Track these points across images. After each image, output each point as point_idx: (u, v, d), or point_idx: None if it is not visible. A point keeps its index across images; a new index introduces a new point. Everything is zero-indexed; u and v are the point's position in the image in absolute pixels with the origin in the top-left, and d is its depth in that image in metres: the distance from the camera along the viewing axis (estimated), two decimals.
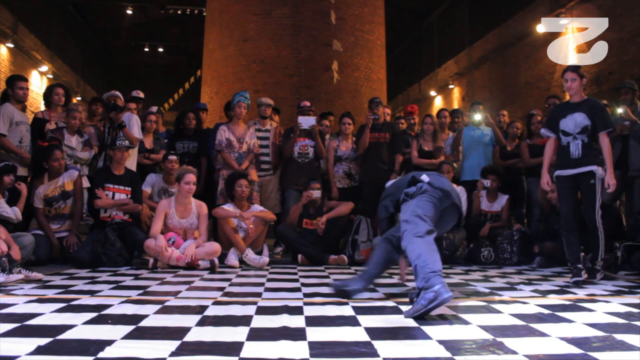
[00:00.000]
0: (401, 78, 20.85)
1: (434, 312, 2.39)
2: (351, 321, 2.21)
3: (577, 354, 1.75)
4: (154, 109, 6.12)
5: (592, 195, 3.69)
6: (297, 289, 3.16)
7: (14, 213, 4.16)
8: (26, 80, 5.07)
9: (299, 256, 4.77)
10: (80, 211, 4.76)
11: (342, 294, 2.80)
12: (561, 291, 3.19)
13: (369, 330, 2.04)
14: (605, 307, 2.61)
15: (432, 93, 18.50)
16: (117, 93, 5.77)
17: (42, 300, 2.64)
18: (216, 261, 4.20)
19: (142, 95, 6.23)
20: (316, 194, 4.93)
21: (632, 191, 4.92)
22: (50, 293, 2.88)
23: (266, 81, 10.05)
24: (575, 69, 3.81)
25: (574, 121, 3.75)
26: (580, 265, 3.70)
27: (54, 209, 4.61)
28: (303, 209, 5.01)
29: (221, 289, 3.17)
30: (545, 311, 2.48)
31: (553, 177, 3.93)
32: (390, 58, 13.19)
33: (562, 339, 1.94)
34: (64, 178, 4.67)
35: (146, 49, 21.68)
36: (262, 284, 3.37)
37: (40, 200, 4.55)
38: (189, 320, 2.19)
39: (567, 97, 3.99)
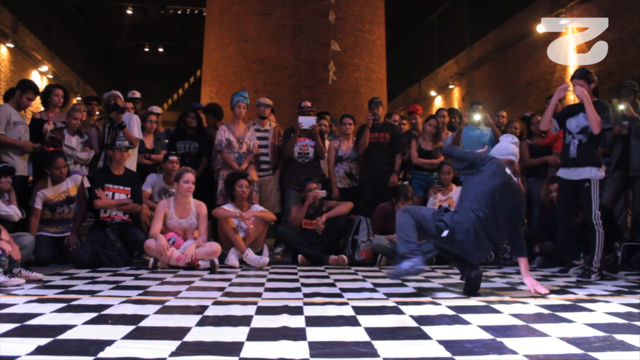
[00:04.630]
0: (401, 78, 20.84)
1: (434, 312, 2.42)
2: (351, 321, 2.21)
3: (577, 354, 1.76)
4: (155, 109, 6.08)
5: (588, 198, 3.82)
6: (297, 289, 3.16)
7: (14, 211, 4.16)
8: (38, 94, 5.03)
9: (299, 256, 4.76)
10: (84, 213, 4.76)
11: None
12: (561, 291, 3.19)
13: (369, 330, 2.04)
14: (605, 307, 2.61)
15: (432, 93, 18.49)
16: (117, 93, 5.74)
17: (42, 300, 2.64)
18: (216, 261, 4.20)
19: (138, 94, 6.21)
20: (322, 193, 4.94)
21: (633, 191, 4.91)
22: (50, 293, 2.88)
23: (266, 81, 10.04)
24: (582, 75, 3.88)
25: (577, 121, 3.90)
26: (587, 266, 3.76)
27: (57, 213, 4.60)
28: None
29: (221, 289, 3.17)
30: (545, 311, 2.48)
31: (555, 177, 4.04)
32: (390, 58, 13.17)
33: (562, 339, 1.94)
34: (68, 183, 4.65)
35: (146, 49, 21.64)
36: (262, 284, 3.37)
37: (40, 201, 4.53)
38: (189, 320, 2.19)
39: (567, 99, 4.08)
